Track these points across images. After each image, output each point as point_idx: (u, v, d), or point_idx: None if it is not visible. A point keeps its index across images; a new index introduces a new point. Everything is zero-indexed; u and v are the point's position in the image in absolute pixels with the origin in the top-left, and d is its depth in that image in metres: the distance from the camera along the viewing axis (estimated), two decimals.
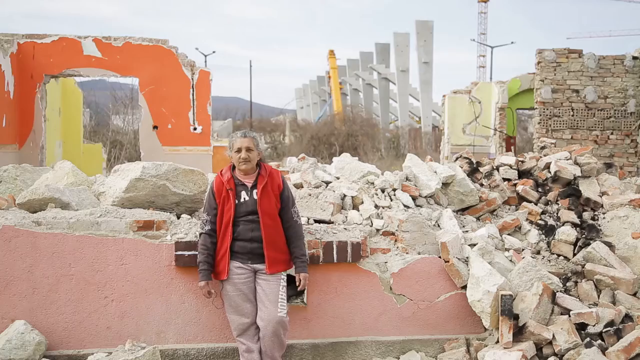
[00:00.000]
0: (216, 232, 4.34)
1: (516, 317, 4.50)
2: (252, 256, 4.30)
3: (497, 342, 4.56)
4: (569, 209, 5.53)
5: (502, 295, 4.46)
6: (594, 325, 4.47)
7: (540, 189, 5.79)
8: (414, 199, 5.34)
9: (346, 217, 5.18)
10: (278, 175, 4.46)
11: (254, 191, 4.32)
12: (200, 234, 4.38)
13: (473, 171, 5.87)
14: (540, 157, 6.11)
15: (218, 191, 4.34)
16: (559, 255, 5.19)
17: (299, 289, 4.43)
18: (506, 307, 4.44)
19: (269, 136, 40.43)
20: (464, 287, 4.78)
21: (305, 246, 4.49)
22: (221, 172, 4.44)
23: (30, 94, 12.00)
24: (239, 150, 4.31)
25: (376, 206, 5.24)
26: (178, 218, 4.92)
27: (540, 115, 11.89)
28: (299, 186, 5.58)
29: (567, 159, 5.96)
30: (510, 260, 5.00)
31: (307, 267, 4.43)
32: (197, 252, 4.53)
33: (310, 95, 76.33)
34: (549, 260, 5.15)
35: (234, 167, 4.42)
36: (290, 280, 4.49)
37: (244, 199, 4.31)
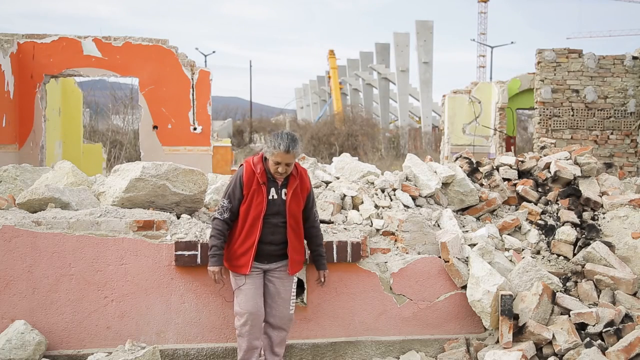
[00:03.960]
0: (233, 221, 4.26)
1: (516, 317, 4.50)
2: (270, 257, 4.28)
3: (497, 342, 4.56)
4: (569, 209, 5.53)
5: (502, 295, 4.46)
6: (594, 325, 4.47)
7: (540, 189, 5.79)
8: (414, 199, 5.34)
9: (346, 217, 5.18)
10: (307, 176, 4.42)
11: (283, 190, 4.25)
12: (215, 219, 4.26)
13: (473, 171, 5.87)
14: (540, 157, 6.11)
15: (248, 182, 4.20)
16: (559, 255, 5.19)
17: (322, 284, 4.52)
18: (506, 307, 4.45)
19: (269, 136, 40.37)
20: (464, 287, 4.78)
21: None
22: (253, 162, 4.27)
23: (30, 94, 11.99)
24: (277, 163, 4.15)
25: (376, 206, 5.24)
26: (178, 218, 4.91)
27: (540, 115, 11.88)
28: None
29: (567, 159, 5.96)
30: (510, 260, 5.00)
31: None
32: (196, 252, 4.53)
33: (310, 95, 76.29)
34: (549, 260, 5.16)
35: (265, 157, 4.27)
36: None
37: (273, 196, 4.23)
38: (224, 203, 4.26)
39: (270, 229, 4.22)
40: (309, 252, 4.57)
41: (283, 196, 4.25)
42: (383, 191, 5.37)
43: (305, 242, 4.48)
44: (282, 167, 4.17)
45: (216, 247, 4.24)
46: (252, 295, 4.25)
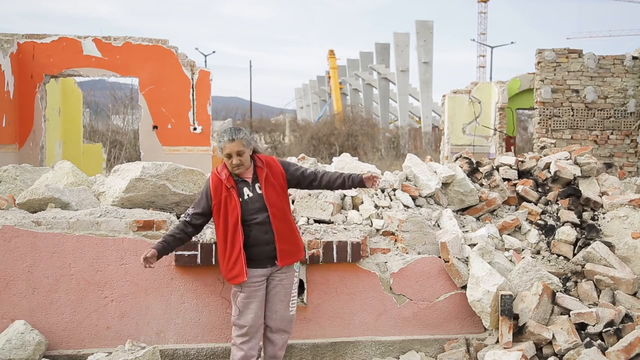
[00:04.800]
0: (193, 227, 4.18)
1: (516, 317, 4.50)
2: (270, 259, 4.16)
3: (497, 342, 4.56)
4: (568, 209, 5.53)
5: (502, 295, 4.46)
6: (593, 325, 4.47)
7: (540, 189, 5.79)
8: (413, 199, 5.34)
9: (346, 217, 5.18)
10: (275, 162, 4.27)
11: (257, 185, 4.14)
12: (180, 220, 4.23)
13: (473, 171, 5.87)
14: (540, 157, 6.11)
15: (216, 191, 4.12)
16: (558, 255, 5.19)
17: (375, 184, 4.29)
18: (506, 307, 4.44)
19: (269, 136, 40.42)
20: (464, 287, 4.78)
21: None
22: (217, 170, 4.20)
23: (30, 94, 12.00)
24: (229, 156, 4.07)
25: (376, 206, 5.24)
26: (178, 218, 4.92)
27: (540, 115, 11.89)
28: None
29: (567, 159, 5.96)
30: (510, 260, 5.00)
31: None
32: (196, 252, 4.52)
33: (310, 95, 76.30)
34: (549, 260, 5.16)
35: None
36: None
37: (248, 195, 4.12)
38: (189, 210, 4.23)
39: (261, 228, 4.10)
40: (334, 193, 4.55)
41: (258, 190, 4.14)
42: (383, 191, 5.37)
43: (335, 192, 4.51)
44: (235, 159, 4.06)
45: (165, 237, 4.16)
46: (254, 309, 4.15)
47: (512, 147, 18.43)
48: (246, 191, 4.14)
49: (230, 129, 4.14)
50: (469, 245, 4.96)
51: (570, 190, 5.66)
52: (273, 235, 4.13)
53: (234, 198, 4.10)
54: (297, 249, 4.28)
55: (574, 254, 5.17)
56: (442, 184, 5.48)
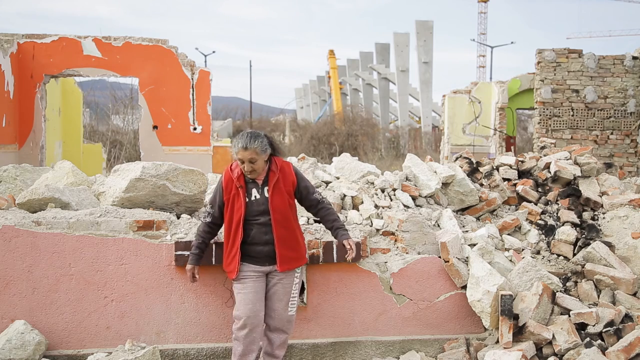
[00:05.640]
0: (216, 225, 4.33)
1: (516, 317, 4.50)
2: (269, 259, 4.22)
3: (497, 342, 4.56)
4: (568, 209, 5.53)
5: (502, 295, 4.46)
6: (593, 325, 4.47)
7: (540, 189, 5.79)
8: (413, 199, 5.34)
9: (346, 217, 5.18)
10: (290, 168, 4.30)
11: (265, 188, 4.19)
12: (201, 222, 4.37)
13: (473, 171, 5.87)
14: (540, 157, 6.11)
15: (227, 188, 4.22)
16: (559, 255, 5.19)
17: (350, 256, 4.29)
18: (506, 307, 4.45)
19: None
20: (464, 287, 4.78)
21: (339, 217, 4.44)
22: (231, 167, 4.27)
23: (30, 94, 12.01)
24: (241, 161, 4.14)
25: (376, 206, 5.24)
26: (178, 218, 4.92)
27: (540, 115, 11.89)
28: None
29: (567, 159, 5.96)
30: (510, 260, 5.00)
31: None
32: None
33: (310, 95, 76.27)
34: (549, 260, 5.16)
35: None
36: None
37: (255, 197, 4.18)
38: (206, 208, 4.37)
39: (262, 229, 4.17)
40: (324, 240, 4.54)
41: (266, 193, 4.19)
42: (383, 191, 5.37)
43: (328, 229, 4.44)
44: (247, 165, 4.12)
45: (194, 247, 4.34)
46: (251, 300, 4.19)
47: (512, 147, 18.44)
48: (254, 192, 4.21)
49: (247, 134, 4.15)
50: (469, 245, 4.97)
51: (570, 190, 5.66)
52: (273, 238, 4.19)
53: (240, 198, 4.19)
54: (298, 255, 4.32)
55: (574, 254, 5.17)
56: (442, 184, 5.48)
